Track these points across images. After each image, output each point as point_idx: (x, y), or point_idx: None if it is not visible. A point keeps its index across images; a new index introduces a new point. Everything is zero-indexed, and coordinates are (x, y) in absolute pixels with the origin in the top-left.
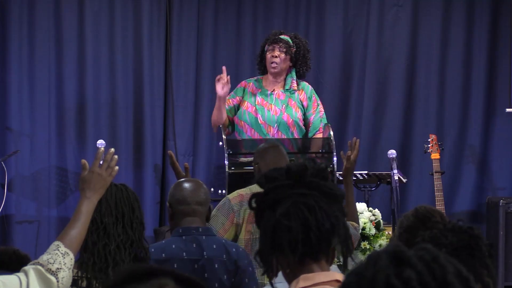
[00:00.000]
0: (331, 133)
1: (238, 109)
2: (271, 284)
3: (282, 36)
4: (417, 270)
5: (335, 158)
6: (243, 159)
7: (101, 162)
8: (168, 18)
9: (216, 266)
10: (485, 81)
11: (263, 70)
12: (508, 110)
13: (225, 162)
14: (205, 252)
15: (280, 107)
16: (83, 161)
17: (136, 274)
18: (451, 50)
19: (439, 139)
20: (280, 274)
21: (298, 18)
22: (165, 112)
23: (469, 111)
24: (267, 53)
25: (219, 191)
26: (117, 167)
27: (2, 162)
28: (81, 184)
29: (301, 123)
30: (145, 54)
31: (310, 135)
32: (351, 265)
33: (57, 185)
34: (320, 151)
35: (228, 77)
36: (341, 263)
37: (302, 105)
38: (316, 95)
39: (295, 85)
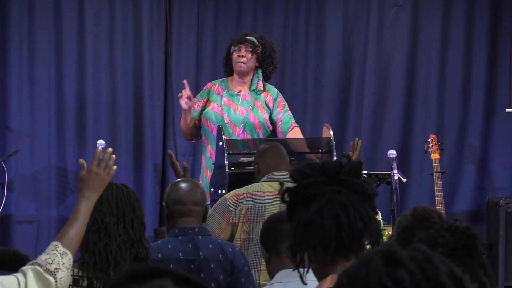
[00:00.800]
0: (331, 133)
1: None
2: (302, 279)
3: (248, 37)
4: (410, 271)
5: (335, 158)
6: (243, 159)
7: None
8: (168, 18)
9: (212, 266)
10: (485, 81)
11: (229, 72)
12: (508, 110)
13: (225, 162)
14: (201, 252)
15: (246, 108)
16: (81, 160)
17: (136, 275)
18: (451, 50)
19: (439, 139)
20: (280, 273)
21: (298, 18)
22: (165, 112)
23: (469, 111)
24: (233, 53)
25: (219, 191)
26: (115, 167)
27: (2, 162)
28: (79, 183)
29: (267, 124)
30: (145, 54)
31: (282, 131)
32: None
33: (57, 185)
34: (320, 151)
35: (190, 92)
36: None
37: (268, 107)
38: (282, 97)
39: (261, 85)
